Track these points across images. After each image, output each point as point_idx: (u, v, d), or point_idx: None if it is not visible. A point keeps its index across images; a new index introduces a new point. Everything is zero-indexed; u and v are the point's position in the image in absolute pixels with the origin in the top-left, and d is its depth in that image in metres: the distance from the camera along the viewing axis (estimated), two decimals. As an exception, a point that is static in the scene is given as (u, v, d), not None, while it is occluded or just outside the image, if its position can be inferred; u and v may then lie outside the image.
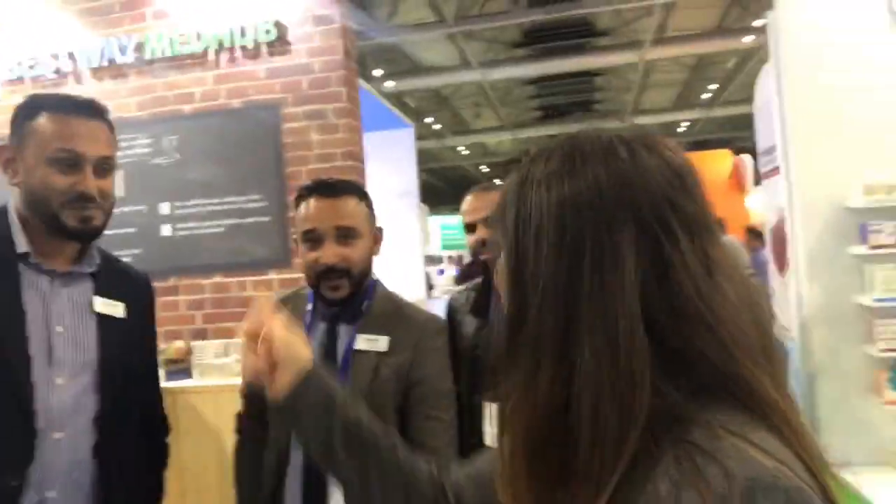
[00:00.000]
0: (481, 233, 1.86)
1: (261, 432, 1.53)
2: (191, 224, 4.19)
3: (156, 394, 1.64)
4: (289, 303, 1.56)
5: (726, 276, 0.58)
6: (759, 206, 9.51)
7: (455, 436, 1.47)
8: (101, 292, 1.44)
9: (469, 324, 1.93)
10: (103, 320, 1.42)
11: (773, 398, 0.55)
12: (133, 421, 1.46)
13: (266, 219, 4.09)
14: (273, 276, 4.08)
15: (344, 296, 1.43)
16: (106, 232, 4.60)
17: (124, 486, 1.39)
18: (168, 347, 3.42)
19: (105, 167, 1.40)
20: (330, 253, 1.40)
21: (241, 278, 4.12)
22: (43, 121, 1.34)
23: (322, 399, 0.90)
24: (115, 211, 4.31)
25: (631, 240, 0.56)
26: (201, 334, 4.14)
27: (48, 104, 1.36)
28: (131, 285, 1.55)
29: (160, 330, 4.34)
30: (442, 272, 12.28)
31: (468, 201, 1.94)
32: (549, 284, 0.57)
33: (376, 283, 1.54)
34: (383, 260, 5.86)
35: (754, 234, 7.36)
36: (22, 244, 1.35)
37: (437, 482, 0.88)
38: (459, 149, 19.46)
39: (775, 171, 3.50)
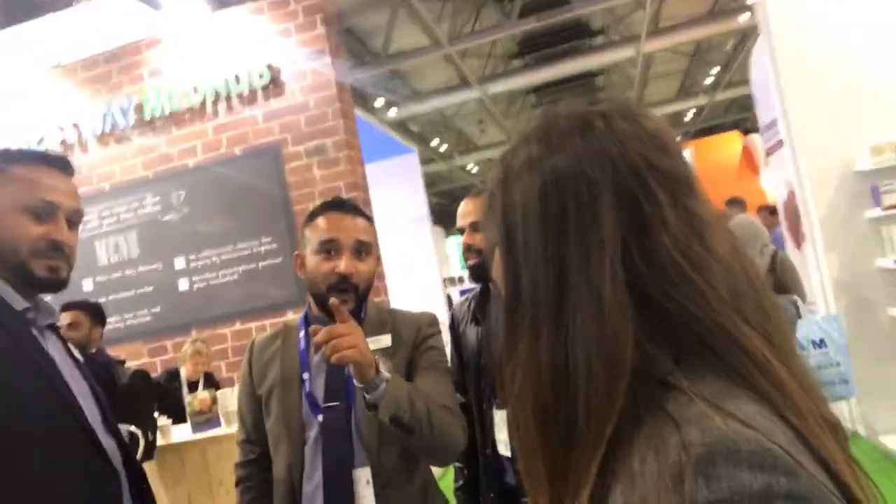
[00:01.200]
0: (467, 238, 1.85)
1: (261, 483, 1.54)
2: (206, 275, 4.23)
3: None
4: (276, 339, 1.56)
5: (712, 232, 0.59)
6: (770, 183, 9.39)
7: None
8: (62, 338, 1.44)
9: (471, 334, 1.92)
10: (81, 367, 1.41)
11: (763, 357, 0.54)
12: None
13: (278, 260, 4.12)
14: (290, 315, 4.09)
15: (350, 308, 1.43)
16: (124, 294, 4.64)
17: None
18: (192, 400, 3.42)
19: (75, 221, 1.40)
20: (348, 263, 1.43)
21: (261, 322, 4.15)
22: (19, 169, 1.34)
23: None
24: (130, 272, 4.45)
25: (611, 204, 0.57)
26: (228, 383, 4.16)
27: (22, 156, 1.37)
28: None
29: (186, 381, 4.42)
30: (464, 292, 12.21)
31: (461, 207, 1.92)
32: (538, 258, 0.59)
33: (366, 296, 1.56)
34: (402, 286, 5.87)
35: (769, 212, 7.24)
36: (18, 301, 1.31)
37: None
38: (469, 167, 19.50)
39: (779, 144, 3.44)
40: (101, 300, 4.37)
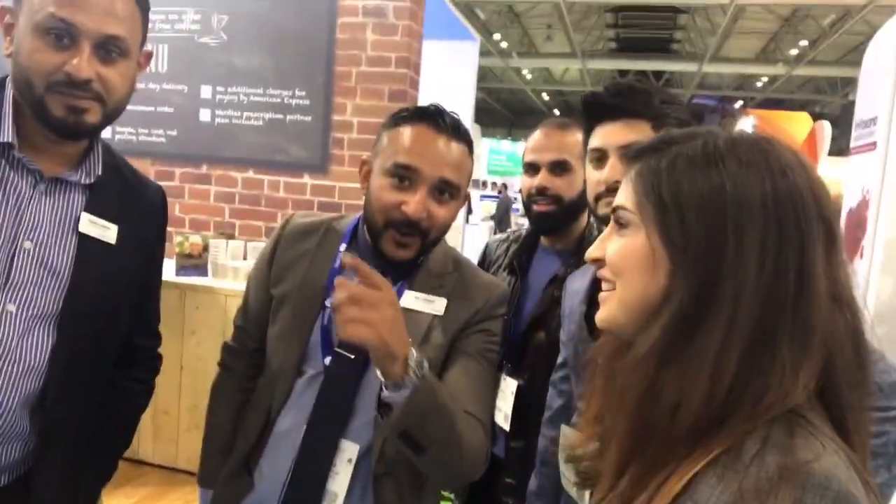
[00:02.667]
0: (544, 179, 1.57)
1: (244, 379, 1.35)
2: (230, 112, 3.99)
3: (148, 331, 1.39)
4: (313, 234, 1.28)
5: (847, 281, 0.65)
6: (833, 179, 8.97)
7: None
8: (93, 209, 1.17)
9: (502, 281, 1.70)
10: (87, 243, 1.16)
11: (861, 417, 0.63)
12: (102, 362, 1.24)
13: (307, 118, 3.87)
14: (307, 180, 3.89)
15: (408, 257, 1.17)
16: (143, 108, 4.42)
17: (74, 436, 1.19)
18: (183, 241, 3.27)
19: (112, 50, 1.09)
20: (420, 206, 1.12)
21: (275, 177, 3.95)
22: None
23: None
24: (154, 87, 4.18)
25: (820, 245, 0.62)
26: (228, 228, 4.02)
27: None
28: (137, 206, 1.26)
29: (186, 217, 4.28)
30: (484, 198, 11.95)
31: (537, 137, 1.62)
32: (752, 276, 0.60)
33: (435, 245, 1.26)
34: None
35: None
36: (8, 132, 1.09)
37: None
38: (524, 72, 18.74)
39: (871, 146, 3.13)
40: (118, 107, 4.16)
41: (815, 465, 0.54)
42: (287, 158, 3.91)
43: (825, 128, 9.07)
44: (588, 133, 1.30)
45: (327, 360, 1.19)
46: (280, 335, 1.24)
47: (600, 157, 1.27)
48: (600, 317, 0.70)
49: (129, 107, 1.19)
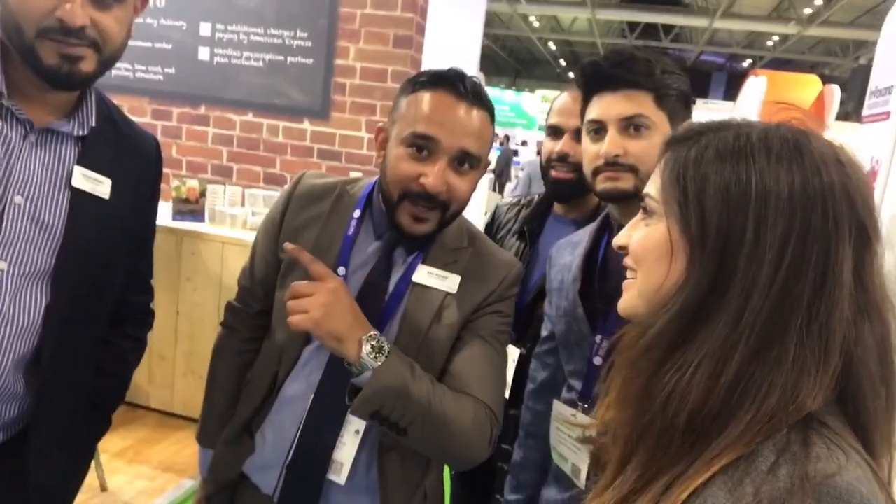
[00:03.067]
0: (566, 145, 1.53)
1: (247, 340, 1.32)
2: (230, 51, 3.88)
3: (141, 287, 1.36)
4: (325, 197, 1.23)
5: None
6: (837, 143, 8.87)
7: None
8: (86, 162, 1.12)
9: (510, 247, 1.66)
10: (80, 197, 1.11)
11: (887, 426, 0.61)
12: (96, 320, 1.21)
13: (309, 61, 3.76)
14: (307, 125, 3.81)
15: (427, 231, 1.13)
16: (140, 43, 4.30)
17: (69, 394, 1.17)
18: (180, 185, 3.20)
19: None
20: (439, 178, 1.07)
21: (274, 121, 3.86)
22: None
23: None
24: (151, 22, 4.05)
25: (847, 238, 0.59)
26: (225, 171, 3.95)
27: None
28: (131, 158, 1.21)
29: (183, 159, 4.21)
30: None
31: (564, 100, 1.56)
32: (767, 272, 0.59)
33: (454, 219, 1.21)
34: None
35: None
36: None
37: None
38: (531, 19, 18.32)
39: (884, 116, 3.07)
40: (115, 42, 4.04)
41: (837, 477, 0.52)
42: (287, 102, 3.82)
43: (834, 92, 8.94)
44: (586, 103, 1.25)
45: None
46: (280, 309, 1.20)
47: (598, 130, 1.22)
48: (621, 305, 0.70)
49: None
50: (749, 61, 21.80)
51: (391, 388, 1.00)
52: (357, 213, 1.19)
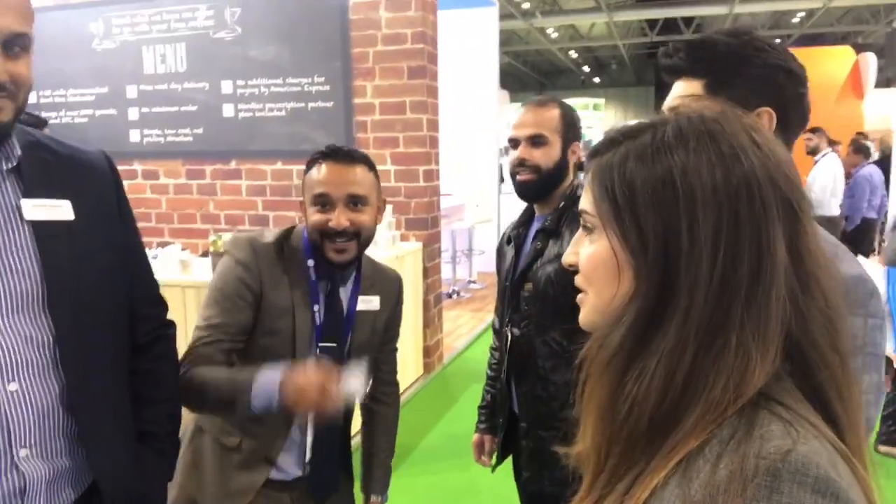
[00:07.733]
0: (522, 152, 1.68)
1: (220, 353, 1.43)
2: (253, 105, 3.99)
3: (149, 298, 1.29)
4: (274, 253, 1.50)
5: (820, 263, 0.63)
6: (878, 113, 8.56)
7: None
8: (34, 192, 1.07)
9: (505, 254, 1.82)
10: (42, 229, 1.06)
11: (846, 392, 0.61)
12: (113, 349, 1.16)
13: (328, 104, 3.84)
14: (335, 165, 3.87)
15: (349, 259, 1.48)
16: (167, 109, 4.43)
17: (114, 429, 1.13)
18: (216, 240, 3.28)
19: (15, 45, 1.02)
20: (342, 218, 1.44)
21: (303, 167, 3.92)
22: None
23: None
24: (176, 86, 4.21)
25: (779, 228, 0.60)
26: (262, 221, 4.04)
27: None
28: (81, 173, 1.17)
29: (221, 213, 4.32)
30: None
31: (519, 113, 1.73)
32: (706, 268, 0.59)
33: (367, 246, 1.56)
34: (459, 150, 5.60)
35: (858, 147, 6.53)
36: None
37: None
38: (549, 31, 18.33)
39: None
40: (144, 110, 4.22)
41: (793, 453, 0.52)
42: (313, 146, 3.87)
43: (870, 60, 8.65)
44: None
45: (317, 351, 1.49)
46: (285, 341, 1.47)
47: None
48: (581, 320, 0.72)
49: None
50: (777, 41, 21.33)
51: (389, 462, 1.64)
52: (311, 262, 1.51)
